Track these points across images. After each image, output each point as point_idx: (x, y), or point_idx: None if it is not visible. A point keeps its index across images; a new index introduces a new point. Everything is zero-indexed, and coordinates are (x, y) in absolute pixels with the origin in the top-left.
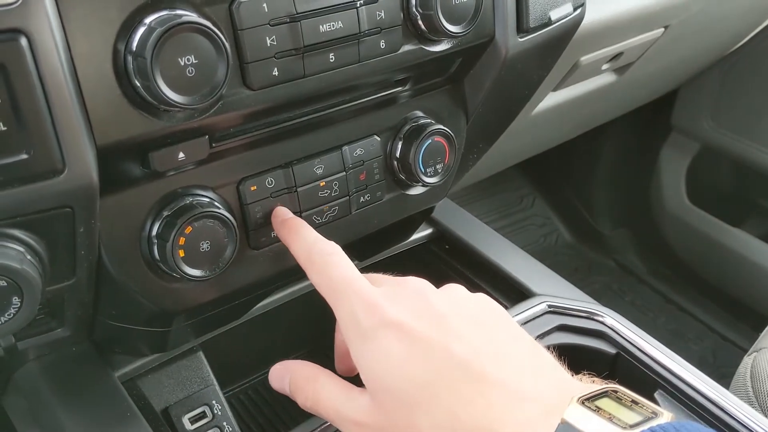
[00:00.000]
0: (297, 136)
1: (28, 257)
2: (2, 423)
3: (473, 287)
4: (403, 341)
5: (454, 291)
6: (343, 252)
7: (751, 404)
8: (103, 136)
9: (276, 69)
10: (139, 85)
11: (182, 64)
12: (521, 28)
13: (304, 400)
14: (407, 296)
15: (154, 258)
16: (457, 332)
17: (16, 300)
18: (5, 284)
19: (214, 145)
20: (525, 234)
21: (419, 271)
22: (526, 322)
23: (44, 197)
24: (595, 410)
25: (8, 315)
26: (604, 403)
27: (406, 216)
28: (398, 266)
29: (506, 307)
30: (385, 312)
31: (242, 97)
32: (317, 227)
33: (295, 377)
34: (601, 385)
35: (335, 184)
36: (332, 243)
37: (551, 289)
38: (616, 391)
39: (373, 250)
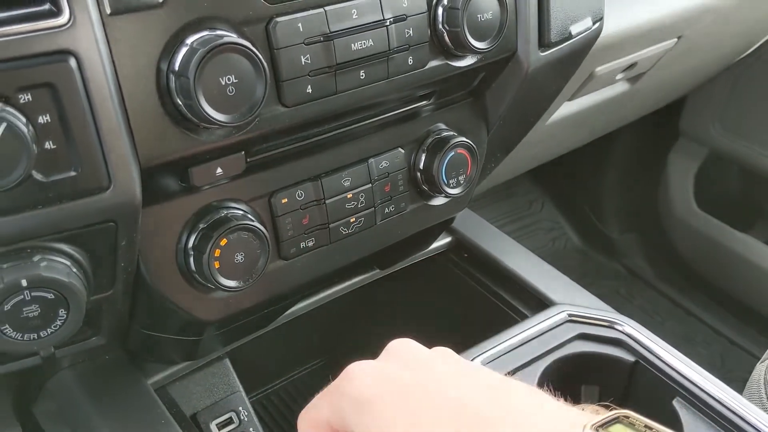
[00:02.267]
0: (325, 150)
1: (74, 270)
2: (29, 426)
3: (492, 296)
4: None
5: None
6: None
7: (766, 411)
8: (147, 154)
9: (310, 86)
10: (181, 103)
11: (223, 83)
12: (543, 43)
13: None
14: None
15: (190, 269)
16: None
17: (62, 312)
18: (53, 297)
19: (248, 159)
20: (534, 238)
21: (439, 280)
22: (546, 332)
23: (90, 213)
24: None
25: (54, 326)
26: (618, 429)
27: (429, 226)
28: (418, 275)
29: (526, 316)
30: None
31: (277, 113)
32: (344, 238)
33: None
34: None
35: (362, 196)
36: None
37: (570, 297)
38: (628, 417)
39: (394, 259)
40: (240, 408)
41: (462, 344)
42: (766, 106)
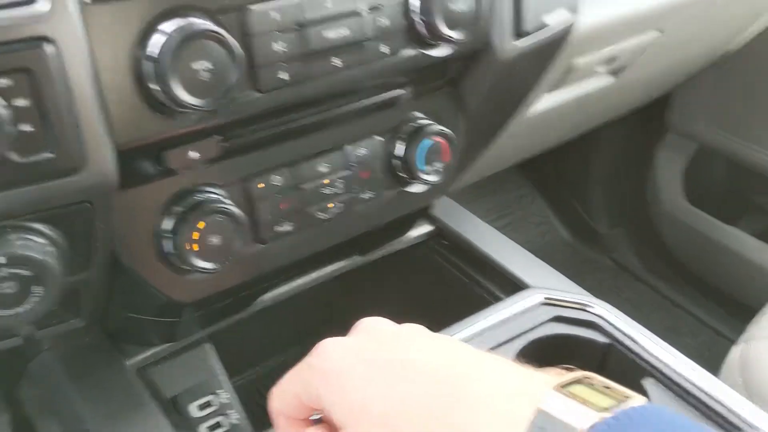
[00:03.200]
0: (302, 135)
1: (49, 249)
2: (17, 413)
3: (469, 280)
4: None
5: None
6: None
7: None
8: (122, 137)
9: (284, 73)
10: (156, 88)
11: (197, 69)
12: (517, 33)
13: None
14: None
15: (167, 251)
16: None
17: (37, 290)
18: (28, 274)
19: (224, 144)
20: (523, 232)
21: (420, 268)
22: (520, 314)
23: (66, 193)
24: (568, 395)
25: (30, 303)
26: (578, 389)
27: (407, 213)
28: (399, 263)
29: (500, 299)
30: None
31: (252, 99)
32: (321, 223)
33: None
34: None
35: (339, 182)
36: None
37: (546, 281)
38: (588, 377)
39: (373, 245)
40: (220, 391)
41: (438, 327)
42: (752, 99)
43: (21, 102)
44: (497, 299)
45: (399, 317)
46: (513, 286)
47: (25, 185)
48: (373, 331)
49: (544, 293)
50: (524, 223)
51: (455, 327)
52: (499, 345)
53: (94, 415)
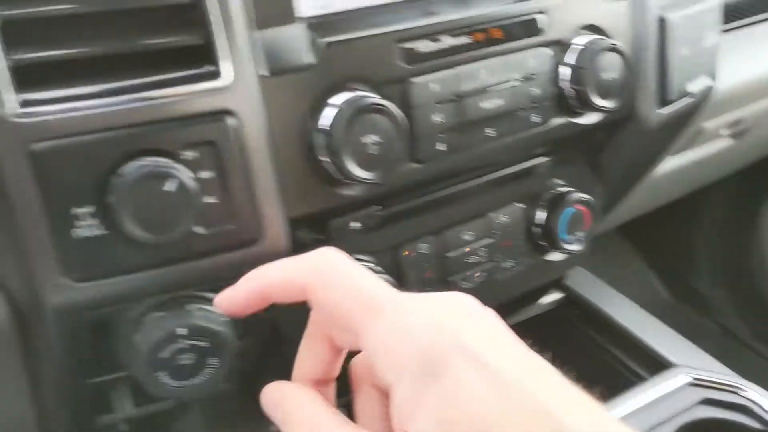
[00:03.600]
0: (446, 204)
1: (224, 319)
2: None
3: (607, 355)
4: (485, 381)
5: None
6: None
7: None
8: (294, 208)
9: (441, 144)
10: (327, 160)
11: (366, 142)
12: (662, 101)
13: None
14: (470, 315)
15: None
16: (545, 371)
17: (212, 361)
18: (206, 345)
19: (380, 213)
20: (621, 291)
21: (550, 337)
22: (667, 395)
23: (243, 264)
24: None
25: (205, 374)
26: None
27: (544, 282)
28: (528, 332)
29: (644, 379)
30: (456, 334)
31: (410, 169)
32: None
33: (290, 417)
34: None
35: (482, 251)
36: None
37: (689, 359)
38: None
39: (504, 314)
40: None
41: None
42: None
43: (205, 174)
44: (636, 376)
45: None
46: (654, 363)
47: (206, 257)
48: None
49: (691, 373)
50: (622, 282)
51: None
52: (649, 431)
53: None
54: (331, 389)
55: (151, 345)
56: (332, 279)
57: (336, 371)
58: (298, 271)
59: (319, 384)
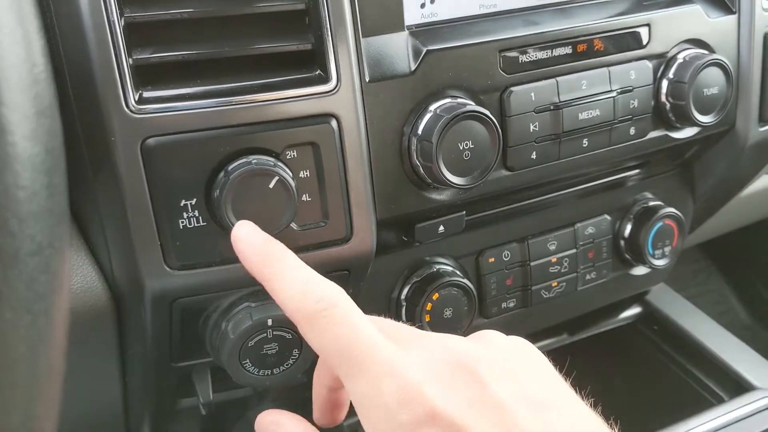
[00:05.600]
0: (532, 213)
1: None
2: None
3: (685, 374)
4: None
5: (500, 350)
6: (349, 297)
7: None
8: (384, 210)
9: (534, 152)
10: (419, 165)
11: (460, 148)
12: (763, 118)
13: None
14: (451, 371)
15: (401, 319)
16: (519, 423)
17: (296, 352)
18: (291, 337)
19: (467, 219)
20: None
21: (626, 352)
22: (746, 418)
23: (332, 262)
24: None
25: (287, 365)
26: None
27: (626, 297)
28: (605, 345)
29: (722, 400)
30: (429, 402)
31: (501, 177)
32: (544, 301)
33: None
34: None
35: (565, 261)
36: (332, 284)
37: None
38: None
39: (583, 325)
40: None
41: (650, 422)
42: None
43: (303, 174)
44: (717, 398)
45: (603, 404)
46: (735, 384)
47: (298, 253)
48: (466, 373)
49: None
50: (699, 301)
51: (676, 427)
52: None
53: None
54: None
55: (239, 333)
56: (324, 325)
57: (344, 397)
58: (290, 307)
59: (333, 389)
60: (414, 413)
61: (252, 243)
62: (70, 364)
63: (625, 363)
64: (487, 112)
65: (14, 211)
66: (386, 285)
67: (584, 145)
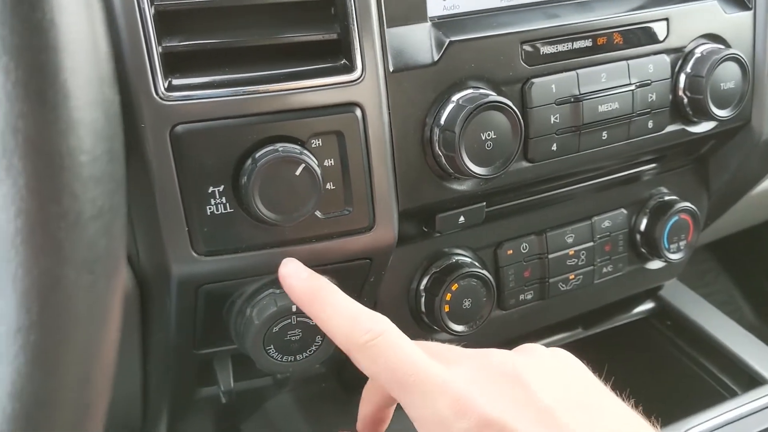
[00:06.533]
0: (550, 205)
1: None
2: None
3: (698, 368)
4: None
5: (540, 358)
6: (394, 325)
7: None
8: (406, 200)
9: (555, 144)
10: (441, 155)
11: (483, 138)
12: None
13: None
14: (497, 381)
15: (420, 310)
16: (568, 426)
17: (319, 339)
18: (314, 324)
19: (487, 210)
20: None
21: (639, 346)
22: (760, 411)
23: (354, 249)
24: None
25: (310, 351)
26: None
27: (641, 291)
28: (618, 339)
29: (736, 394)
30: (480, 409)
31: (522, 168)
32: (560, 294)
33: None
34: None
35: (582, 254)
36: (378, 314)
37: None
38: None
39: (597, 319)
40: None
41: (664, 415)
42: None
43: (328, 162)
44: (728, 390)
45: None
46: (748, 378)
47: (322, 240)
48: (512, 382)
49: None
50: (707, 301)
51: (687, 421)
52: None
53: None
54: (391, 411)
55: (264, 319)
56: (375, 353)
57: (389, 414)
58: (340, 337)
59: (381, 407)
60: (469, 422)
61: (300, 278)
62: None
63: (638, 357)
64: (510, 103)
65: (77, 174)
66: (406, 275)
67: (603, 138)
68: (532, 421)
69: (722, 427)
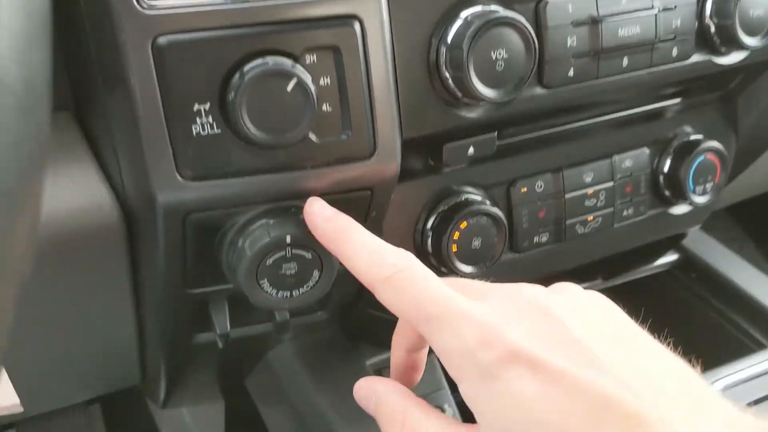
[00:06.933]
0: (568, 141)
1: None
2: (234, 401)
3: (726, 321)
4: (539, 381)
5: (573, 296)
6: (419, 260)
7: None
8: (410, 128)
9: (572, 69)
10: (448, 76)
11: (493, 57)
12: None
13: None
14: (527, 314)
15: (426, 250)
16: (599, 362)
17: (316, 274)
18: (310, 257)
19: (498, 142)
20: None
21: (662, 299)
22: None
23: (353, 178)
24: None
25: (307, 287)
26: None
27: (664, 237)
28: (640, 292)
29: (764, 346)
30: (509, 340)
31: (535, 94)
32: (577, 237)
33: (381, 408)
34: None
35: (602, 194)
36: (402, 250)
37: None
38: None
39: (617, 270)
40: (445, 405)
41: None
42: None
43: (324, 81)
44: (756, 343)
45: None
46: None
47: (317, 167)
48: (542, 315)
49: None
50: None
51: (717, 372)
52: (762, 399)
53: (331, 410)
54: (423, 355)
55: (257, 251)
56: (400, 286)
57: (421, 359)
58: (366, 273)
59: (411, 351)
60: (496, 353)
61: (324, 216)
62: (81, 294)
63: (662, 310)
64: (522, 19)
65: None
66: (411, 215)
67: (624, 65)
68: (563, 355)
69: (751, 379)
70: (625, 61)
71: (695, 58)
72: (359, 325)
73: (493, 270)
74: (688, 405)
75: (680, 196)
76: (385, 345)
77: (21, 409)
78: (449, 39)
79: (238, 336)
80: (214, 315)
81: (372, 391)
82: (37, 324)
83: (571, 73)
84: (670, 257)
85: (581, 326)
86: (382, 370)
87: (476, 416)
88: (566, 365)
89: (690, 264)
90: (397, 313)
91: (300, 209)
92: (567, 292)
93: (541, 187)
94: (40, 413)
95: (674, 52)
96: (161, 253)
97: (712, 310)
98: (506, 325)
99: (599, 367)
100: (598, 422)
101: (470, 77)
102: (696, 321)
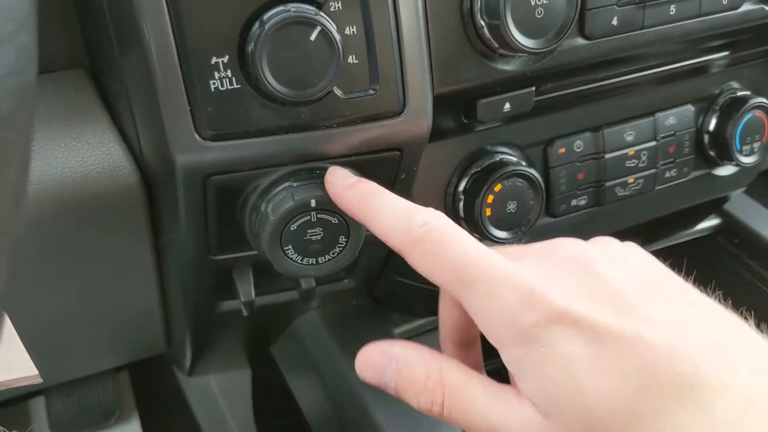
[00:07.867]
0: (607, 98)
1: None
2: (271, 370)
3: None
4: (584, 341)
5: (612, 248)
6: (451, 220)
7: None
8: (440, 80)
9: (616, 18)
10: (483, 25)
11: (532, 3)
12: None
13: (431, 405)
14: (567, 272)
15: (458, 214)
16: (649, 316)
17: (342, 239)
18: (337, 222)
19: (536, 98)
20: None
21: (703, 266)
22: None
23: (382, 137)
24: None
25: (333, 253)
26: None
27: (707, 200)
28: (680, 258)
29: None
30: (551, 300)
31: (577, 46)
32: (618, 200)
33: (406, 373)
34: None
35: (644, 155)
36: (433, 209)
37: None
38: None
39: (657, 234)
40: None
41: None
42: None
43: (349, 30)
44: None
45: None
46: None
47: (343, 125)
48: (584, 271)
49: None
50: None
51: None
52: None
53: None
54: (476, 350)
55: (280, 215)
56: (432, 247)
57: (476, 331)
58: (395, 236)
59: (462, 347)
60: (539, 314)
61: (347, 185)
62: (101, 260)
63: (704, 277)
64: None
65: None
66: (442, 177)
67: (671, 13)
68: (607, 311)
69: None
70: (672, 10)
71: (746, 6)
72: (387, 293)
73: (529, 235)
74: (748, 364)
75: (726, 156)
76: (415, 313)
77: (40, 380)
78: None
79: (264, 304)
80: (239, 282)
81: (388, 357)
82: (57, 290)
83: (614, 22)
84: (712, 221)
85: (624, 278)
86: (411, 339)
87: (519, 384)
88: (612, 321)
89: (732, 229)
90: (430, 277)
91: (325, 171)
92: (605, 244)
93: (580, 147)
94: (68, 380)
95: (724, 0)
96: (182, 218)
97: (756, 277)
98: (547, 284)
99: (647, 322)
100: (649, 384)
101: (507, 25)
102: (738, 288)
